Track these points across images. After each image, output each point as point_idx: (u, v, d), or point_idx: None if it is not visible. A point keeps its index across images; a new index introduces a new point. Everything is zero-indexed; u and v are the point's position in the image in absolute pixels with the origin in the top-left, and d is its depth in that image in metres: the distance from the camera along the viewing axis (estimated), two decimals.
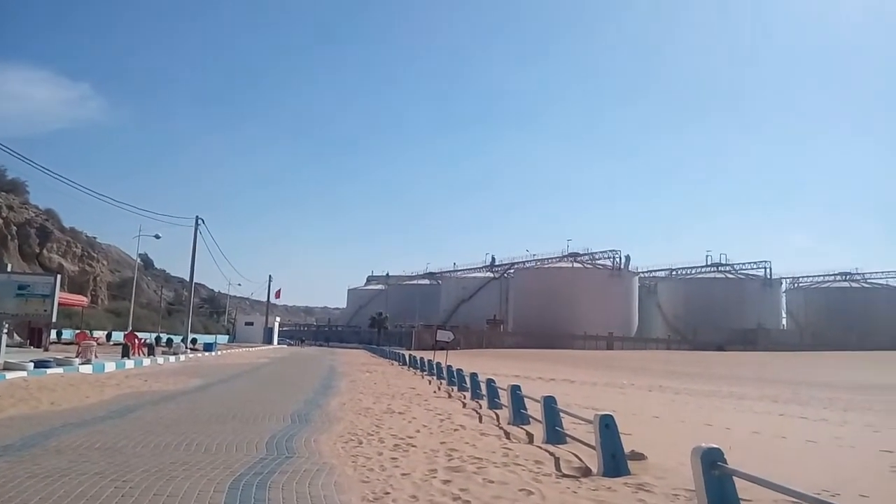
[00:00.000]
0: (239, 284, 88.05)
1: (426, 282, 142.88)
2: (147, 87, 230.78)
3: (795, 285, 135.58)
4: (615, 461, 6.81)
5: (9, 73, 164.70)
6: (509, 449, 8.43)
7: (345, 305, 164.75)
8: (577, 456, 7.82)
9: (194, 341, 47.58)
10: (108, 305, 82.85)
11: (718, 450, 4.60)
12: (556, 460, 7.64)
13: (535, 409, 9.95)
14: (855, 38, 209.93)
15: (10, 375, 16.49)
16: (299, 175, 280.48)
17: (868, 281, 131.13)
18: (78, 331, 40.75)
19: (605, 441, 6.87)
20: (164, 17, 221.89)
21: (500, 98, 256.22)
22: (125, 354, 27.75)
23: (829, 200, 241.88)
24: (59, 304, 35.54)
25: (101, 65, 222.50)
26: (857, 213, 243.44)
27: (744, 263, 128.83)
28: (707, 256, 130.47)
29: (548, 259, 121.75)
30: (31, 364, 18.74)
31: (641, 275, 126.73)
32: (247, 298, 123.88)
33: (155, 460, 6.89)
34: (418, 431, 9.89)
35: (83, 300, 52.92)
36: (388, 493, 5.82)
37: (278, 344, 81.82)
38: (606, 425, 6.89)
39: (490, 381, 14.25)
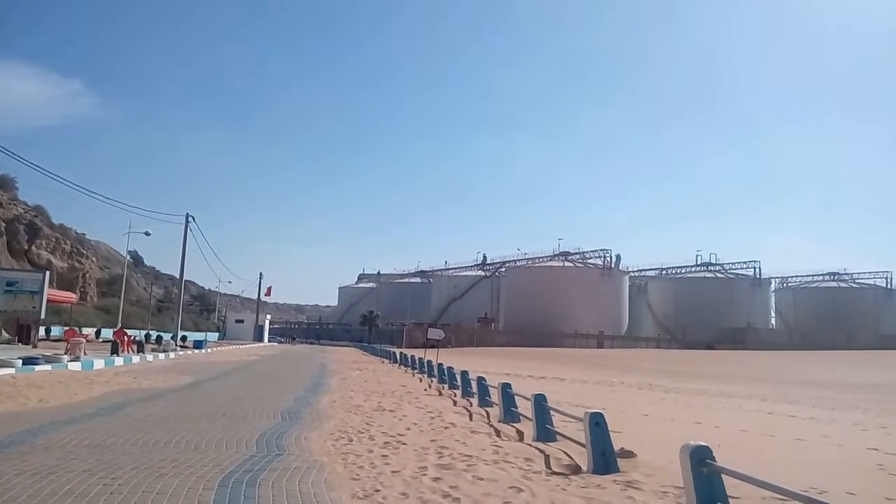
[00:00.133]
0: (229, 282, 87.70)
1: (417, 280, 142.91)
2: (139, 84, 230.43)
3: (784, 285, 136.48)
4: (605, 459, 6.83)
5: None
6: (499, 446, 8.44)
7: (336, 303, 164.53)
8: (567, 453, 7.84)
9: (184, 339, 47.41)
10: (98, 302, 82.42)
11: (707, 447, 4.62)
12: (547, 458, 7.65)
13: (525, 407, 9.97)
14: (844, 37, 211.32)
15: None
16: (291, 173, 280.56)
17: (856, 281, 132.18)
18: (67, 328, 40.53)
19: (595, 439, 6.89)
20: (156, 14, 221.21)
21: (491, 98, 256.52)
22: (114, 351, 27.59)
23: (819, 201, 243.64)
24: (48, 301, 35.54)
25: (92, 61, 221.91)
26: (847, 214, 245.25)
27: (733, 263, 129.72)
28: (697, 256, 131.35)
29: (539, 258, 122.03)
30: (20, 361, 18.58)
31: (632, 274, 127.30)
32: (237, 296, 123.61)
33: (144, 457, 6.86)
34: (409, 429, 9.88)
35: (72, 297, 52.63)
36: (378, 490, 5.82)
37: (269, 342, 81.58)
38: (596, 423, 6.91)
39: (481, 379, 14.27)
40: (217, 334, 79.49)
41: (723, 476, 4.57)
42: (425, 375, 23.31)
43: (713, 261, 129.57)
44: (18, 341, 32.61)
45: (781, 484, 4.06)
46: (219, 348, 48.59)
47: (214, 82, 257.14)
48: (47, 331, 41.82)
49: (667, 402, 19.85)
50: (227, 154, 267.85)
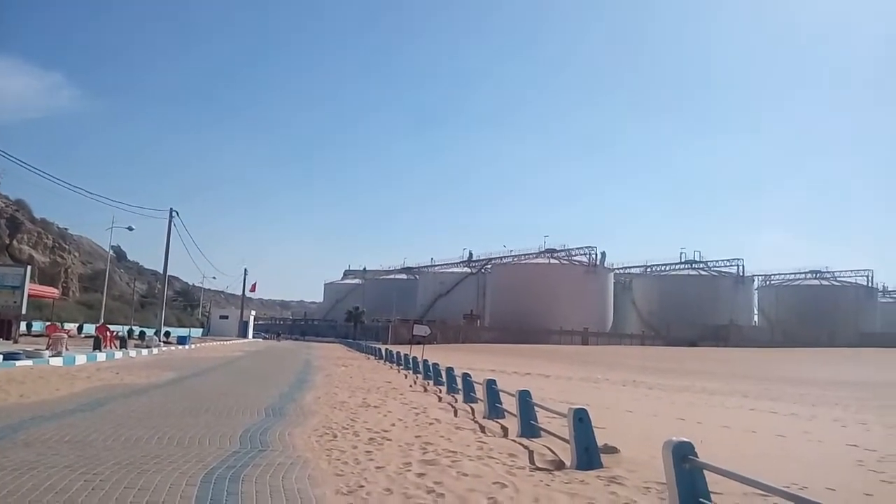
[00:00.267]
0: (214, 278, 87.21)
1: (403, 276, 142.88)
2: (122, 78, 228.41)
3: (767, 283, 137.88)
4: (588, 454, 6.86)
5: None
6: (484, 442, 8.46)
7: (321, 300, 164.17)
8: (550, 449, 7.87)
9: (167, 334, 47.07)
10: (80, 298, 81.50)
11: (689, 443, 4.65)
12: (531, 453, 7.67)
13: (510, 404, 9.99)
14: (829, 33, 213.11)
15: None
16: (277, 169, 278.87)
17: (838, 279, 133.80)
18: (48, 323, 40.06)
19: (579, 435, 6.91)
20: (138, 7, 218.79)
21: (476, 95, 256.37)
22: (97, 347, 27.34)
23: (803, 199, 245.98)
24: (30, 296, 35.14)
25: (74, 54, 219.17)
26: (831, 212, 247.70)
27: (717, 261, 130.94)
28: (681, 254, 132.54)
29: (524, 255, 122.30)
30: (0, 356, 18.39)
31: (617, 271, 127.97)
32: (222, 292, 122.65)
33: (126, 453, 6.81)
34: (393, 425, 9.88)
35: (54, 292, 51.98)
36: (362, 486, 5.81)
37: (254, 338, 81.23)
38: (580, 419, 6.94)
39: (466, 376, 14.28)
40: (201, 330, 79.02)
41: (705, 472, 4.60)
42: (410, 372, 23.30)
43: (697, 258, 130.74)
44: None
45: (763, 480, 4.10)
46: (203, 344, 48.33)
47: (199, 77, 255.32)
48: (28, 326, 41.32)
49: (650, 399, 19.98)
50: (212, 149, 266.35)
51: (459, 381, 14.62)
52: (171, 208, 43.13)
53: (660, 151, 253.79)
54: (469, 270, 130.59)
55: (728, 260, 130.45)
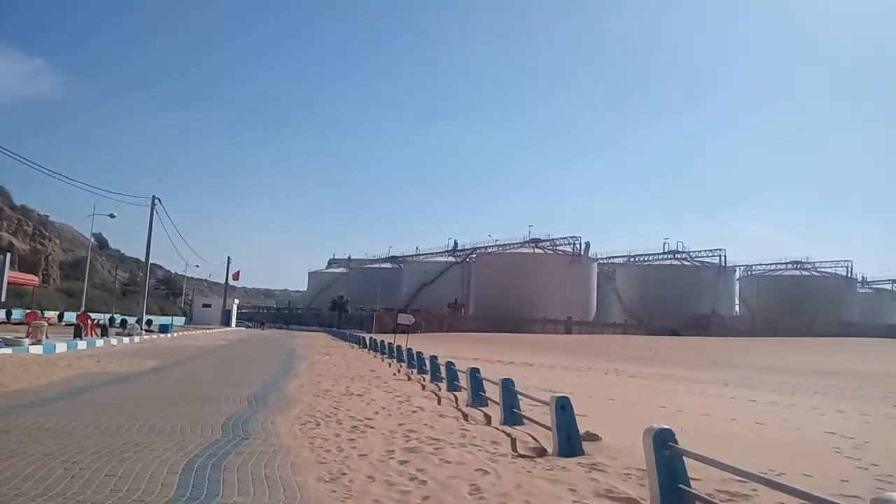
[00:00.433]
0: (196, 266, 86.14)
1: (388, 265, 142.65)
2: (103, 63, 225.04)
3: (749, 273, 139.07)
4: (570, 442, 6.92)
5: None
6: (467, 430, 8.50)
7: (305, 288, 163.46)
8: (533, 437, 7.91)
9: (150, 322, 46.74)
10: (61, 285, 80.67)
11: (670, 430, 4.70)
12: (513, 441, 7.71)
13: (493, 392, 10.03)
14: (815, 35, 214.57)
15: None
16: (261, 156, 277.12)
17: (818, 270, 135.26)
18: (28, 311, 39.59)
19: (561, 422, 6.96)
20: None
21: (461, 83, 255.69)
22: (77, 335, 27.11)
23: (784, 191, 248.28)
24: (9, 284, 34.62)
25: (55, 39, 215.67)
26: (811, 205, 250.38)
27: (699, 251, 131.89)
28: (664, 244, 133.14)
29: (509, 245, 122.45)
30: None
31: (600, 261, 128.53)
32: (205, 280, 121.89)
33: (106, 442, 6.77)
34: (377, 413, 9.89)
35: (34, 279, 51.32)
36: (344, 473, 5.82)
37: (237, 326, 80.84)
38: (562, 407, 6.98)
39: (449, 364, 14.31)
40: (184, 319, 78.50)
41: (684, 458, 4.66)
42: (395, 360, 23.30)
43: (680, 249, 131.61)
44: None
45: (741, 466, 4.16)
46: (185, 333, 48.08)
47: (178, 61, 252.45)
48: (8, 314, 40.87)
49: (632, 387, 20.16)
50: (195, 136, 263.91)
51: (443, 369, 14.65)
52: (154, 196, 42.74)
53: (646, 145, 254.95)
54: (454, 260, 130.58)
55: (710, 250, 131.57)
